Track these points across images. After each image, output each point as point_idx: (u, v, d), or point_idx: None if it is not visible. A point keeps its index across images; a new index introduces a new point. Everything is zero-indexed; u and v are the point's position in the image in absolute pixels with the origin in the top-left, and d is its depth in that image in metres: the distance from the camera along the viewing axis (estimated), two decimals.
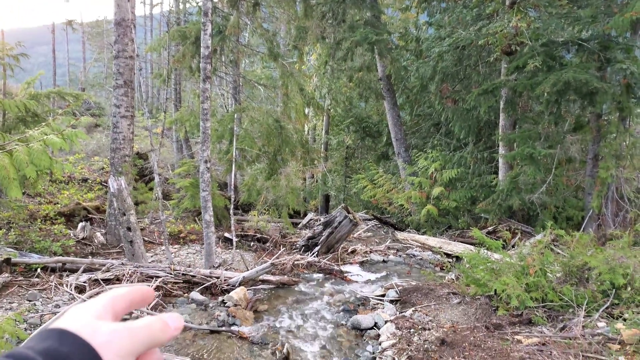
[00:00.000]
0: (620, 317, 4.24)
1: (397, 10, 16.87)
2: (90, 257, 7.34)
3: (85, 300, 0.55)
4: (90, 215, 9.83)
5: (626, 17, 8.59)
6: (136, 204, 9.64)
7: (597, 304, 4.51)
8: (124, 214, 6.82)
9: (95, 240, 8.39)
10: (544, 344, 3.96)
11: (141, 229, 8.48)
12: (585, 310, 4.40)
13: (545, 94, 9.37)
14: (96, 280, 6.09)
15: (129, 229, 6.80)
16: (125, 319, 0.54)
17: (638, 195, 10.36)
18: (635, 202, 10.21)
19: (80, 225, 8.67)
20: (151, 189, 11.05)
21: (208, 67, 7.18)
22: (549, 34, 9.85)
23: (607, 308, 4.44)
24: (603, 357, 3.61)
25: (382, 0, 15.50)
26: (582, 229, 9.72)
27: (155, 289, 5.95)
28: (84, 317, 0.49)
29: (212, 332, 5.10)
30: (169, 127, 13.30)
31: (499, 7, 10.44)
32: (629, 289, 4.58)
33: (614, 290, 4.55)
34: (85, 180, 12.84)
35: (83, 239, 8.30)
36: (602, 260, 4.77)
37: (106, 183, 11.22)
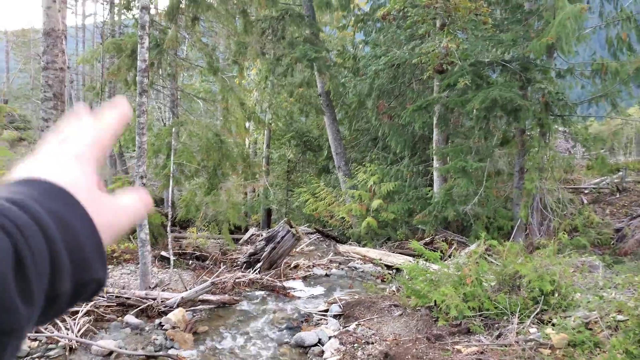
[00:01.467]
0: (550, 322, 4.51)
1: (334, 28, 17.24)
2: None
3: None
4: None
5: (542, 42, 9.30)
6: None
7: (529, 311, 4.77)
8: None
9: None
10: (482, 352, 4.14)
11: None
12: (518, 317, 4.65)
13: (475, 110, 9.91)
14: None
15: None
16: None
17: (559, 205, 11.11)
18: (557, 212, 10.95)
19: None
20: None
21: (145, 81, 6.97)
22: (476, 54, 10.45)
23: (537, 314, 4.71)
24: None
25: (320, 19, 15.78)
26: (511, 237, 10.27)
27: (85, 313, 5.60)
28: (86, 182, 0.46)
29: (148, 357, 4.85)
30: None
31: (431, 29, 10.95)
32: (556, 294, 4.88)
33: (542, 296, 4.84)
34: None
35: None
36: (531, 268, 5.05)
37: None
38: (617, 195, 13.72)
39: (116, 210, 0.48)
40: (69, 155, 0.47)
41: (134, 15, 10.23)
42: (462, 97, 10.18)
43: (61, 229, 0.40)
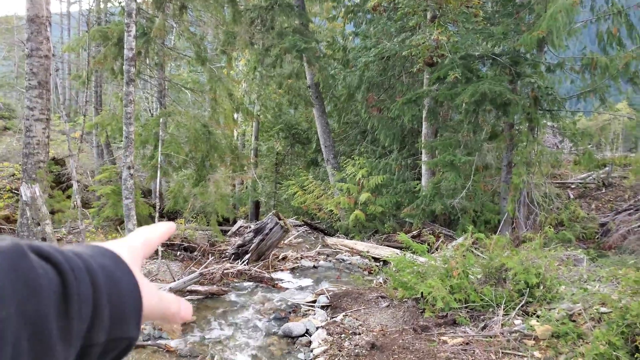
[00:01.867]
0: (534, 314, 4.55)
1: (324, 19, 17.13)
2: None
3: None
4: None
5: (533, 36, 9.31)
6: (52, 212, 9.00)
7: (514, 303, 4.82)
8: (39, 224, 6.35)
9: None
10: (467, 344, 4.17)
11: (58, 240, 7.92)
12: (503, 309, 4.69)
13: (464, 104, 9.92)
14: None
15: (44, 239, 6.33)
16: None
17: (546, 200, 11.21)
18: (543, 206, 11.05)
19: None
20: (69, 197, 10.37)
21: (132, 70, 6.88)
22: (467, 47, 10.45)
23: (522, 306, 4.76)
24: (520, 353, 3.86)
25: (310, 9, 15.67)
26: (498, 231, 10.35)
27: None
28: (130, 259, 0.49)
29: (136, 346, 4.85)
30: (88, 131, 12.55)
31: (421, 21, 10.93)
32: (541, 287, 4.93)
33: (528, 289, 4.88)
34: None
35: None
36: (517, 261, 5.10)
37: (17, 191, 10.38)
38: (603, 190, 13.89)
39: (161, 296, 0.51)
40: (123, 245, 0.51)
41: (120, 3, 10.08)
42: (452, 91, 10.19)
43: (107, 281, 0.43)
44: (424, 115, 11.91)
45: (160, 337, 5.14)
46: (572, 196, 13.71)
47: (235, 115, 12.78)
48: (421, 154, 12.53)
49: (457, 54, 10.30)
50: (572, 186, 14.66)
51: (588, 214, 12.14)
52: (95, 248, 0.47)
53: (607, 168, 14.60)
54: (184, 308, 0.54)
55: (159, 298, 0.51)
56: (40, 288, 0.37)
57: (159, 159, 9.01)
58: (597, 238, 11.10)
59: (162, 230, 0.59)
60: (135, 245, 0.53)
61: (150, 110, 14.51)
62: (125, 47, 6.82)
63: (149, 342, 4.93)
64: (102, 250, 0.47)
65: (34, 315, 0.36)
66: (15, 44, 24.89)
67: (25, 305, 0.36)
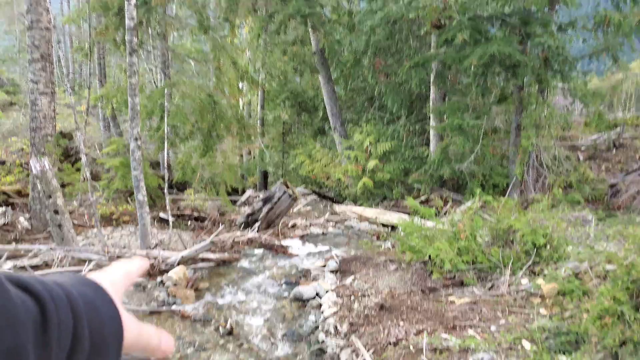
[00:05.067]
0: (541, 273, 4.60)
1: None
2: (14, 243, 6.90)
3: None
4: (10, 200, 9.18)
5: None
6: (62, 186, 9.10)
7: (521, 263, 4.86)
8: (50, 197, 6.43)
9: (19, 226, 7.87)
10: (474, 303, 4.24)
11: (69, 212, 8.04)
12: (510, 269, 4.74)
13: (473, 66, 9.75)
14: (23, 267, 5.75)
15: (56, 212, 6.44)
16: None
17: (555, 162, 11.14)
18: (552, 169, 10.98)
19: None
20: (78, 170, 10.45)
21: (134, 40, 6.81)
22: (475, 8, 10.21)
23: (529, 266, 4.80)
24: (526, 310, 3.92)
25: None
26: (507, 194, 10.33)
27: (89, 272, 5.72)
28: (112, 290, 0.50)
29: (152, 312, 4.99)
30: (94, 104, 12.55)
31: None
32: (548, 247, 4.96)
33: (535, 249, 4.91)
34: (2, 162, 11.92)
35: (4, 225, 7.76)
36: (525, 223, 5.12)
37: (27, 165, 10.50)
38: (614, 151, 13.75)
39: (141, 329, 0.52)
40: (104, 276, 0.53)
41: None
42: (460, 53, 10.00)
43: (88, 308, 0.44)
44: (432, 80, 11.75)
45: (175, 303, 5.27)
46: (581, 158, 13.59)
47: (240, 84, 12.68)
48: (429, 119, 12.42)
49: (466, 15, 10.07)
50: (582, 148, 14.51)
51: (597, 176, 12.06)
52: (77, 277, 0.48)
53: (618, 129, 14.39)
54: (164, 341, 0.55)
55: (139, 330, 0.51)
56: (17, 318, 0.37)
57: (166, 130, 9.02)
58: (607, 199, 11.06)
59: (139, 264, 0.62)
60: (116, 278, 0.54)
61: (154, 81, 14.46)
62: (126, 16, 6.73)
63: (164, 308, 5.06)
64: (83, 279, 0.48)
65: (11, 346, 0.36)
66: (15, 17, 24.68)
67: (1, 336, 0.36)
